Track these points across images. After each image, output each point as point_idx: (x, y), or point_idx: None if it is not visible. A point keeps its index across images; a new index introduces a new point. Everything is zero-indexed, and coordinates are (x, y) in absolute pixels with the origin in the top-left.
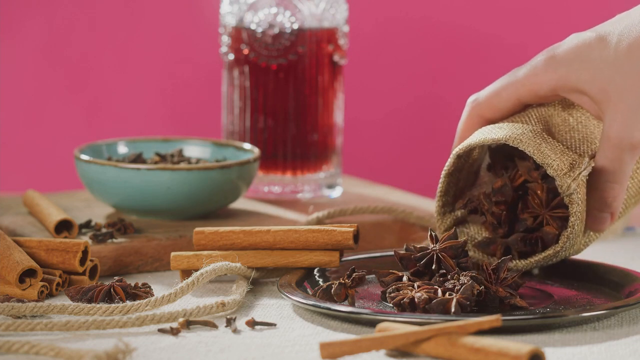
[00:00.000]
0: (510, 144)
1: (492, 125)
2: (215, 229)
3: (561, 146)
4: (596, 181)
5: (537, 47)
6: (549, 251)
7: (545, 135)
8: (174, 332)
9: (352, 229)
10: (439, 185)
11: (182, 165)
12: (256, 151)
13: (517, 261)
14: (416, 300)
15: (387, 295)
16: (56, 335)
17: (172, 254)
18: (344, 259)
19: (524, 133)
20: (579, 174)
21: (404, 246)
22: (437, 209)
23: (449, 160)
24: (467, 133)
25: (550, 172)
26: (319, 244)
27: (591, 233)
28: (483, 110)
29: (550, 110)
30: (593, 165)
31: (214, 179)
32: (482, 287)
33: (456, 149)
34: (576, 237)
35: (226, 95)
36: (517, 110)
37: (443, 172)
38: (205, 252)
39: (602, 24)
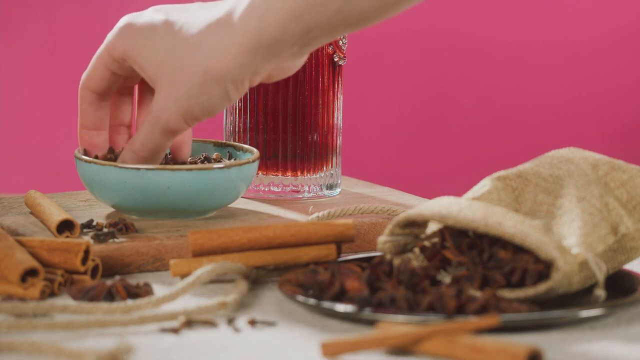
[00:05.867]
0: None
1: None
2: (213, 230)
3: None
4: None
5: (535, 46)
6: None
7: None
8: (175, 331)
9: (351, 220)
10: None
11: (182, 165)
12: (256, 152)
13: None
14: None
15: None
16: (58, 334)
17: (172, 261)
18: (343, 259)
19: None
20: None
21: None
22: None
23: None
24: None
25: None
26: (320, 235)
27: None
28: (87, 84)
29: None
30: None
31: (213, 179)
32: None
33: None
34: None
35: None
36: (114, 80)
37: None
38: (205, 258)
39: (177, 9)
